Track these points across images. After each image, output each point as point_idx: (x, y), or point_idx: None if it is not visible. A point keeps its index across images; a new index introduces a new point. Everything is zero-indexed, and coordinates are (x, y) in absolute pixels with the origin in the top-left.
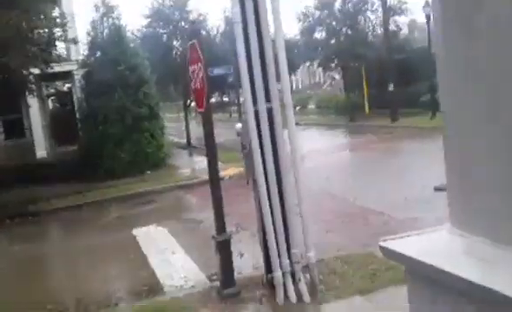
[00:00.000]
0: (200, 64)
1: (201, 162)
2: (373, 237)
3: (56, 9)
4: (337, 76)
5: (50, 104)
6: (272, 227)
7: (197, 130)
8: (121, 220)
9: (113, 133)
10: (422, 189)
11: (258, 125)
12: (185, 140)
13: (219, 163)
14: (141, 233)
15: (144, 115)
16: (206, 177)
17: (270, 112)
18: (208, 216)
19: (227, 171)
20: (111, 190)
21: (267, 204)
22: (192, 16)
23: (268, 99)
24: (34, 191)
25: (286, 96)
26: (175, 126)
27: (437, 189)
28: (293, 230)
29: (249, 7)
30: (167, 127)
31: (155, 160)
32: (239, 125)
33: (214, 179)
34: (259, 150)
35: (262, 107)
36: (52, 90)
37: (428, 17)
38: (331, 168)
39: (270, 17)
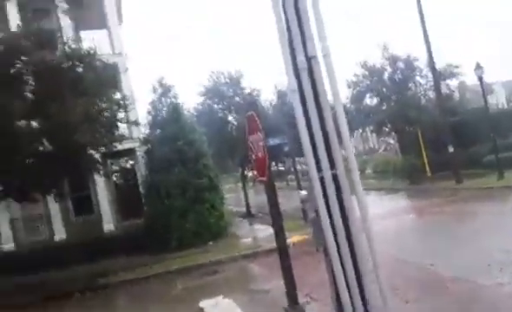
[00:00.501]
0: (259, 134)
1: (262, 231)
2: (463, 305)
3: (118, 93)
4: (391, 141)
5: (115, 179)
6: (347, 295)
7: (255, 199)
8: (188, 292)
9: (177, 206)
10: (504, 253)
11: (324, 191)
12: (244, 209)
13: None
14: (208, 306)
15: (204, 186)
16: (268, 245)
17: (335, 178)
18: (275, 285)
19: (291, 238)
20: (176, 261)
21: (341, 270)
22: (246, 92)
23: (332, 165)
24: (103, 264)
25: (351, 160)
26: (234, 196)
27: None
28: (371, 297)
29: (304, 76)
30: (226, 198)
31: (217, 230)
32: (303, 192)
33: (283, 249)
34: (328, 217)
35: (327, 173)
36: (116, 167)
37: (480, 79)
38: (401, 233)
39: (326, 84)
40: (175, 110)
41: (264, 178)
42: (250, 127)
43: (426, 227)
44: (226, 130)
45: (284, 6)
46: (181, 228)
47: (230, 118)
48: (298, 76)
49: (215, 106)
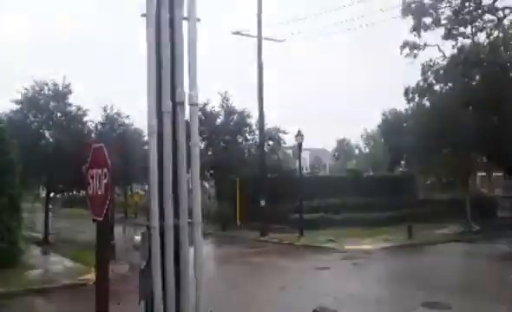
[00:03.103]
0: (105, 170)
1: (58, 263)
2: None
3: None
4: (206, 185)
5: None
6: None
7: (54, 224)
8: None
9: None
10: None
11: (162, 241)
12: (40, 235)
13: (81, 265)
14: None
15: (3, 207)
16: (63, 281)
17: (177, 229)
18: None
19: (92, 274)
20: None
21: None
22: (71, 109)
23: (177, 215)
24: None
25: (196, 213)
26: (29, 216)
27: None
28: None
29: (167, 120)
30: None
31: (7, 258)
32: (137, 237)
33: (101, 299)
34: (160, 271)
35: (169, 222)
36: None
37: (299, 146)
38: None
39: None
40: None
41: (100, 219)
42: (94, 160)
43: (234, 276)
44: (39, 145)
45: (159, 47)
46: None
47: (47, 134)
48: (160, 118)
49: (32, 117)
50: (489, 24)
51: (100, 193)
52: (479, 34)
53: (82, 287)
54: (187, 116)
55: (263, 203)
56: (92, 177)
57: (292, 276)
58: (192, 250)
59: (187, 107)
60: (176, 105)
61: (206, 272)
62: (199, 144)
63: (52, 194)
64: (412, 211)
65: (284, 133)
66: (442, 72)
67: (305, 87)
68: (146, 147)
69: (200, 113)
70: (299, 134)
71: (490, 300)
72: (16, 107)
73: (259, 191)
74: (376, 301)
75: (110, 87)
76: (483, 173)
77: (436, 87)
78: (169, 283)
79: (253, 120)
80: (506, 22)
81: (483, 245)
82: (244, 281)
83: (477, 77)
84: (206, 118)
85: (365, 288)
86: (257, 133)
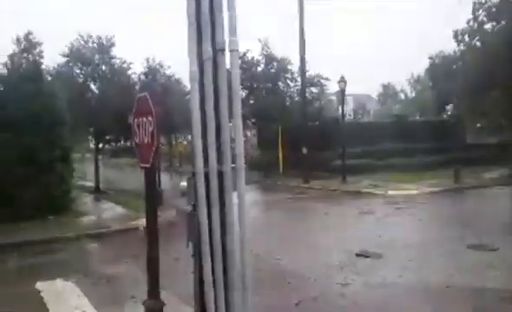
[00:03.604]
0: (150, 118)
1: (110, 209)
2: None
3: None
4: (249, 133)
5: None
6: (212, 296)
7: (105, 173)
8: (22, 271)
9: (18, 173)
10: (344, 253)
11: (207, 186)
12: (92, 184)
13: (132, 211)
14: (46, 288)
15: (56, 157)
16: (115, 226)
17: (221, 175)
18: (122, 271)
19: (142, 220)
20: (9, 235)
21: (210, 277)
22: (115, 61)
23: (220, 161)
24: None
25: (239, 159)
26: (81, 167)
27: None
28: (234, 304)
29: (208, 67)
30: (74, 169)
31: (62, 204)
32: (183, 183)
33: (152, 239)
34: (207, 214)
35: (213, 169)
36: None
37: (342, 91)
38: (257, 227)
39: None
40: (36, 69)
41: (148, 165)
42: (140, 109)
43: (279, 221)
44: (85, 98)
45: None
46: (20, 198)
47: (92, 86)
48: (201, 66)
49: (77, 71)
50: None
51: (146, 141)
52: None
53: (134, 231)
54: (228, 64)
55: (305, 150)
56: (138, 126)
57: (335, 220)
58: (235, 194)
59: (228, 54)
60: (217, 52)
61: (247, 221)
62: (240, 91)
63: (101, 145)
64: (460, 155)
65: (326, 79)
66: (494, 9)
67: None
68: (188, 97)
69: (240, 62)
70: (342, 80)
71: None
72: (63, 60)
73: (301, 138)
74: (420, 244)
75: (152, 39)
76: None
77: (488, 26)
78: (215, 225)
79: (295, 68)
80: None
81: None
82: (287, 225)
83: None
84: (247, 66)
85: (409, 232)
86: (299, 80)
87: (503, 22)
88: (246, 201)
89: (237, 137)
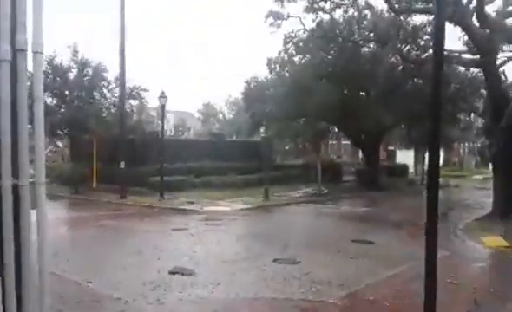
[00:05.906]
0: None
1: None
2: None
3: None
4: (60, 144)
5: None
6: None
7: None
8: None
9: None
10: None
11: None
12: None
13: None
14: None
15: None
16: None
17: (16, 189)
18: None
19: None
20: None
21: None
22: None
23: (16, 174)
24: None
25: (39, 172)
26: None
27: (173, 273)
28: None
29: (5, 69)
30: None
31: None
32: None
33: None
34: None
35: (7, 183)
36: None
37: (163, 107)
38: (63, 246)
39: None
40: None
41: None
42: None
43: (89, 240)
44: None
45: None
46: None
47: None
48: None
49: None
50: (346, 1)
51: None
52: (337, 10)
53: None
54: (29, 67)
55: (122, 165)
56: None
57: (150, 237)
58: (34, 212)
59: (30, 56)
60: (16, 52)
61: (47, 239)
62: (43, 97)
63: None
64: (270, 175)
65: (145, 90)
66: (301, 44)
67: (170, 49)
68: None
69: (47, 67)
70: (162, 96)
71: (333, 253)
72: None
73: (118, 152)
74: (230, 259)
75: None
76: (334, 141)
77: (296, 59)
78: (6, 247)
79: (112, 76)
80: (360, 1)
81: (330, 206)
82: (97, 245)
83: (332, 52)
84: (57, 72)
85: (221, 247)
86: (117, 90)
87: (308, 57)
88: (50, 219)
89: (37, 147)
